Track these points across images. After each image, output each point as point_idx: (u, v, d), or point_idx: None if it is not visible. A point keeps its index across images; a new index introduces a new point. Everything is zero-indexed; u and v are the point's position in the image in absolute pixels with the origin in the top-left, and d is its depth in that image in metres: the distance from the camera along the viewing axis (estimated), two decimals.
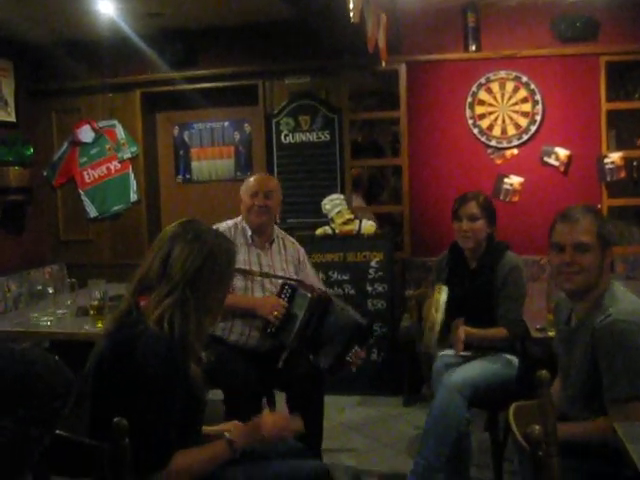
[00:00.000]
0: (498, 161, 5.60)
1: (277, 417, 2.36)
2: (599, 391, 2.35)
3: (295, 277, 3.74)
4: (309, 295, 3.50)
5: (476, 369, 3.34)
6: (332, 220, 5.52)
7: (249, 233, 3.74)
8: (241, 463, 2.37)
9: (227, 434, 2.25)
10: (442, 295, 3.28)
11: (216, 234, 2.23)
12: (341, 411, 5.02)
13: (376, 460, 4.19)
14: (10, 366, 1.67)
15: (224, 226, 3.74)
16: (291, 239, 3.97)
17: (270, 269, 3.72)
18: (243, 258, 3.64)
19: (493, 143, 5.59)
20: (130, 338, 2.07)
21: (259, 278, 3.66)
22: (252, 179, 3.82)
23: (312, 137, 5.90)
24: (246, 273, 3.62)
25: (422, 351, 3.41)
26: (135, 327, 2.08)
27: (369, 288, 5.47)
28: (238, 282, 3.61)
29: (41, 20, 5.39)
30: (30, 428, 1.69)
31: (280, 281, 3.65)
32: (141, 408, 1.99)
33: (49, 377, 1.73)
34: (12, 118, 6.07)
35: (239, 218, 3.81)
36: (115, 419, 1.85)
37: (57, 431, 1.96)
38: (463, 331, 3.29)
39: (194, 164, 6.29)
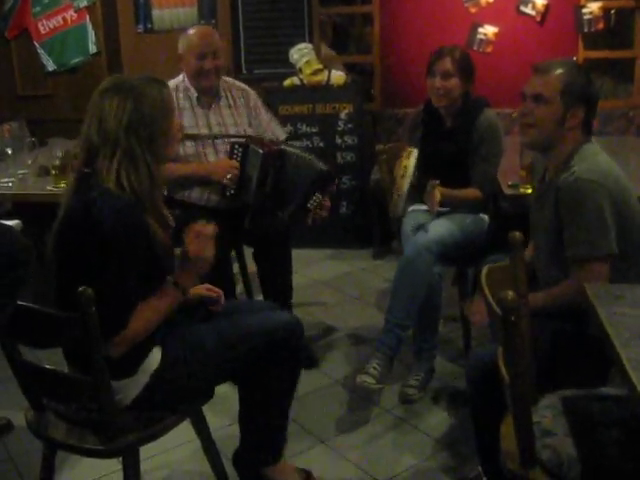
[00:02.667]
0: (472, 9, 5.40)
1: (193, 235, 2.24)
2: (564, 249, 2.34)
3: (249, 130, 3.58)
4: (260, 151, 3.33)
5: (445, 226, 3.31)
6: (300, 70, 5.34)
7: (195, 95, 3.52)
8: (213, 319, 2.39)
9: (169, 277, 2.21)
10: (411, 160, 3.19)
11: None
12: (310, 265, 5.05)
13: (346, 314, 4.25)
14: None
15: (174, 80, 3.55)
16: (239, 84, 3.73)
17: (221, 128, 3.53)
18: (189, 122, 3.48)
19: None
20: (87, 201, 2.02)
21: (210, 141, 3.51)
22: (194, 36, 3.47)
23: None
24: (195, 138, 3.47)
25: (390, 214, 3.36)
26: (92, 191, 2.02)
27: (339, 140, 5.37)
28: (189, 149, 3.46)
29: None
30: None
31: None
32: (100, 269, 1.96)
33: (6, 247, 1.69)
34: None
35: (180, 77, 3.56)
36: (80, 288, 1.82)
37: (24, 302, 1.94)
38: (439, 193, 3.22)
39: (155, 12, 5.96)
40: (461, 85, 3.39)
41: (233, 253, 4.06)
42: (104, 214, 1.98)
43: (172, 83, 3.50)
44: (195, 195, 3.52)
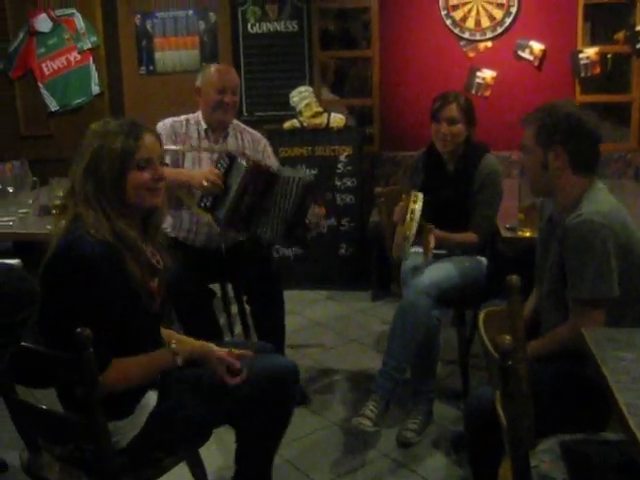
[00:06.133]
0: (471, 54, 5.48)
1: (226, 356, 2.28)
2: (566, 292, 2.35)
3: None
4: (245, 164, 3.21)
5: (443, 269, 3.32)
6: (300, 113, 5.40)
7: (203, 128, 3.56)
8: None
9: (173, 344, 2.23)
10: (418, 204, 3.20)
11: (118, 125, 2.14)
12: (309, 306, 5.05)
13: (343, 355, 4.24)
14: None
15: (175, 119, 3.58)
16: (251, 130, 3.74)
17: None
18: (192, 157, 3.53)
19: (466, 35, 5.45)
20: (63, 245, 2.04)
21: (205, 155, 3.53)
22: (214, 72, 3.54)
23: (280, 27, 5.72)
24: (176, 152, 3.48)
25: (393, 257, 3.36)
26: (70, 235, 2.04)
27: (338, 183, 5.41)
28: (188, 163, 3.51)
29: None
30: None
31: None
32: (73, 315, 1.96)
33: (14, 287, 1.69)
34: None
35: (193, 114, 3.61)
36: (78, 329, 1.82)
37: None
38: (433, 239, 3.24)
39: (157, 55, 6.05)
40: (465, 130, 3.44)
41: (232, 294, 4.08)
42: (73, 259, 2.00)
43: (184, 116, 3.58)
44: (184, 229, 3.55)
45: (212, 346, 2.29)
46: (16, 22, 6.06)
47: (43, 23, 5.99)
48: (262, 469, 2.49)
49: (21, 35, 6.05)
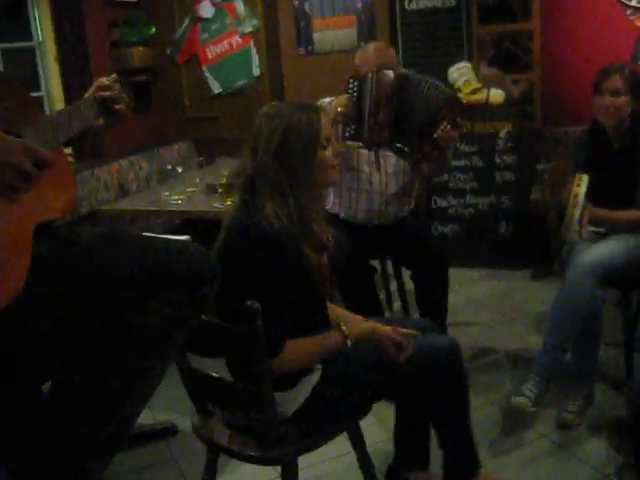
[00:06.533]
0: (638, 23, 5.20)
1: (395, 334, 2.29)
2: None
3: None
4: (371, 75, 3.11)
5: (608, 248, 3.19)
6: (459, 89, 5.31)
7: None
8: None
9: (343, 327, 2.26)
10: (582, 188, 3.09)
11: (295, 106, 2.18)
12: (467, 284, 5.00)
13: (502, 335, 4.18)
14: (163, 256, 1.73)
15: (333, 98, 3.62)
16: None
17: None
18: None
19: (633, 3, 5.17)
20: (243, 228, 2.11)
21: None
22: (371, 50, 3.56)
23: (437, 2, 5.63)
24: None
25: (562, 238, 3.25)
26: (248, 218, 2.10)
27: (497, 160, 5.32)
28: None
29: None
30: (182, 312, 1.77)
31: None
32: (253, 295, 2.02)
33: (198, 264, 1.79)
34: None
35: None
36: (248, 302, 1.90)
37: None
38: (588, 215, 3.12)
39: (315, 35, 6.13)
40: (630, 103, 3.29)
41: (391, 271, 4.13)
42: (255, 243, 2.06)
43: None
44: (343, 212, 3.60)
45: (380, 326, 2.30)
46: (181, 10, 6.33)
47: (206, 9, 6.22)
48: (460, 438, 2.51)
49: (186, 22, 6.32)
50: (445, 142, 3.12)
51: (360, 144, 3.25)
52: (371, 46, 3.63)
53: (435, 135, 3.08)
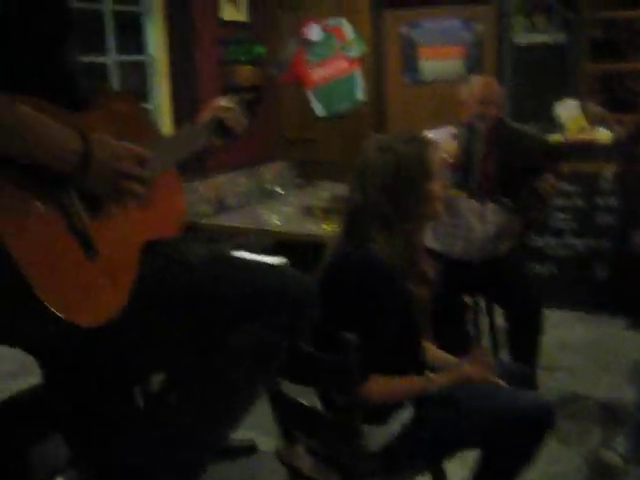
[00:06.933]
0: None
1: (480, 368, 2.26)
2: None
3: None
4: (479, 126, 3.19)
5: None
6: (565, 127, 5.23)
7: None
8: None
9: (430, 374, 2.23)
10: None
11: (404, 138, 2.16)
12: (559, 326, 4.87)
13: (594, 382, 4.05)
14: (262, 280, 1.75)
15: (436, 132, 3.60)
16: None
17: None
18: None
19: None
20: (348, 259, 2.11)
21: None
22: (478, 84, 3.55)
23: (547, 38, 5.57)
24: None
25: None
26: (354, 249, 2.10)
27: (599, 201, 5.18)
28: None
29: None
30: (279, 337, 1.78)
31: None
32: (351, 322, 2.02)
33: (298, 291, 1.80)
34: (243, 17, 6.18)
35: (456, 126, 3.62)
36: (342, 333, 1.90)
37: None
38: None
39: (422, 64, 6.14)
40: None
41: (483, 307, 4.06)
42: (361, 275, 2.06)
43: (444, 128, 3.56)
44: (439, 246, 3.56)
45: (471, 370, 2.27)
46: (289, 31, 6.42)
47: (315, 32, 6.29)
48: None
49: (293, 43, 6.38)
50: (548, 193, 3.14)
51: (466, 194, 3.27)
52: (476, 80, 3.61)
53: (538, 187, 3.12)
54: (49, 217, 1.40)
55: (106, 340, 1.57)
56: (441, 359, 2.40)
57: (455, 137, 3.28)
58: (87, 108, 1.58)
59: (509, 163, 3.16)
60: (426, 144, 2.18)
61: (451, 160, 3.18)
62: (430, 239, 3.60)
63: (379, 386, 2.10)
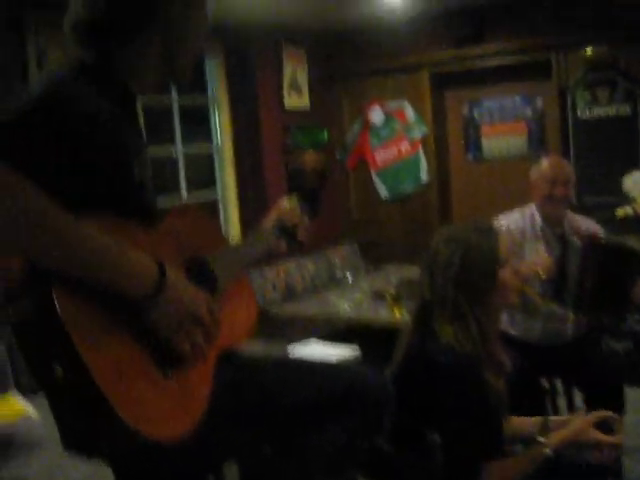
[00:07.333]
0: None
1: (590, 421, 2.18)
2: None
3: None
4: (578, 242, 3.13)
5: None
6: (634, 200, 5.15)
7: (539, 223, 3.52)
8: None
9: (540, 438, 2.15)
10: None
11: (471, 228, 2.15)
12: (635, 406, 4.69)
13: None
14: (337, 381, 1.74)
15: (509, 217, 3.58)
16: (586, 221, 3.59)
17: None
18: (529, 251, 3.47)
19: None
20: (424, 354, 2.08)
21: (541, 247, 3.42)
22: (547, 164, 3.50)
23: (611, 111, 5.52)
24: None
25: None
26: (429, 344, 2.08)
27: None
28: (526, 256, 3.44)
29: (330, 9, 5.55)
30: (356, 437, 1.76)
31: None
32: (439, 425, 1.98)
33: (371, 389, 1.78)
34: (306, 104, 6.34)
35: (528, 206, 3.57)
36: (429, 435, 1.86)
37: None
38: None
39: (484, 142, 6.16)
40: None
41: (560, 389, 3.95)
42: (437, 372, 2.03)
43: (518, 211, 3.56)
44: (515, 331, 3.50)
45: (583, 425, 2.17)
46: (352, 116, 6.55)
47: (377, 116, 6.40)
48: None
49: (356, 127, 6.52)
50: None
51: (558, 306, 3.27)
52: (546, 161, 3.57)
53: (634, 297, 3.12)
54: (128, 333, 1.42)
55: (182, 451, 1.57)
56: (528, 424, 2.33)
57: (550, 248, 3.28)
58: (159, 221, 1.62)
59: (606, 279, 3.12)
60: (493, 231, 2.17)
61: (544, 274, 3.17)
62: (506, 323, 3.54)
63: (498, 471, 2.04)
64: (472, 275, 2.08)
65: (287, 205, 2.09)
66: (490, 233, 2.16)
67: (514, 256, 3.33)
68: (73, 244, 1.32)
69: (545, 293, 3.25)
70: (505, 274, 2.13)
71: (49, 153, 1.36)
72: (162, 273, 1.43)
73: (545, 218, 3.50)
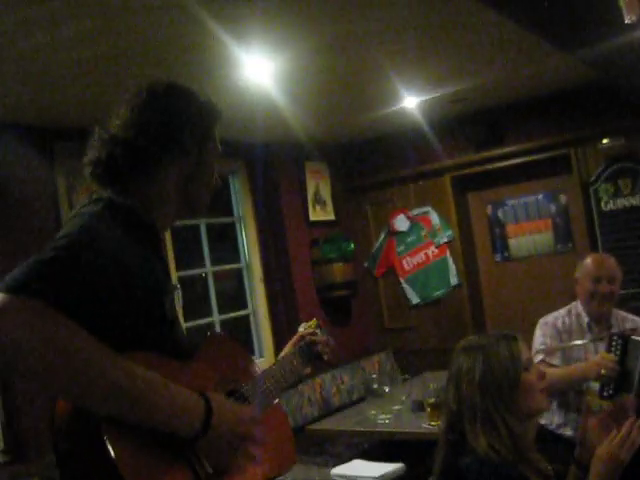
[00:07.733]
0: None
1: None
2: None
3: None
4: (637, 339, 3.11)
5: None
6: None
7: (586, 320, 3.48)
8: None
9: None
10: None
11: (491, 336, 2.18)
12: None
13: None
14: None
15: (555, 315, 3.54)
16: (632, 318, 3.56)
17: None
18: (577, 355, 3.43)
19: None
20: (460, 468, 2.03)
21: (592, 347, 3.42)
22: (590, 261, 3.52)
23: (635, 201, 5.51)
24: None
25: None
26: (464, 457, 2.04)
27: None
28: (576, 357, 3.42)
29: (349, 124, 5.69)
30: None
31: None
32: None
33: None
34: (332, 216, 6.42)
35: (574, 303, 3.56)
36: None
37: None
38: None
39: (511, 241, 6.16)
40: None
41: None
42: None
43: (564, 309, 3.55)
44: (552, 426, 3.42)
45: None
46: (377, 225, 6.61)
47: (402, 223, 6.44)
48: None
49: (382, 236, 6.56)
50: None
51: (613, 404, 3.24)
52: (590, 259, 3.58)
53: None
54: (177, 468, 1.42)
55: None
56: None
57: (610, 347, 3.24)
58: (194, 352, 1.66)
59: None
60: (513, 338, 2.17)
61: (604, 372, 3.16)
62: (547, 421, 3.46)
63: None
64: (496, 379, 2.07)
65: (307, 327, 2.16)
66: (510, 340, 2.17)
67: (557, 354, 3.30)
68: (136, 394, 1.35)
69: (604, 391, 3.20)
70: (530, 377, 2.13)
71: (86, 296, 1.38)
72: (208, 408, 1.45)
73: (590, 315, 3.46)
